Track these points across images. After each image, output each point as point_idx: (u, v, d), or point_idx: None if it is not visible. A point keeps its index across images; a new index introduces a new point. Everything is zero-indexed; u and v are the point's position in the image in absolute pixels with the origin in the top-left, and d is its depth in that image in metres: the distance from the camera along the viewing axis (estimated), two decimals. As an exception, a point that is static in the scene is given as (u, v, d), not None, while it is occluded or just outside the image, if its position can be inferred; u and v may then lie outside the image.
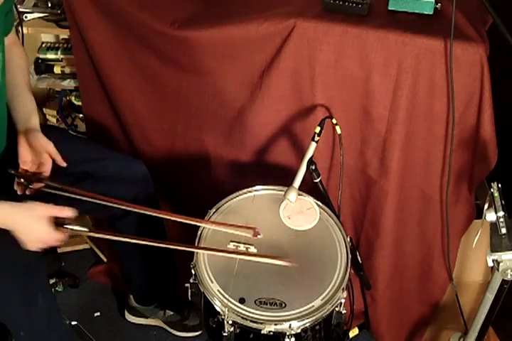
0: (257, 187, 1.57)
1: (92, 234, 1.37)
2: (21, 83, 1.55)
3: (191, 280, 1.40)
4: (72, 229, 1.32)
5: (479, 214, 1.60)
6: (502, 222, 1.24)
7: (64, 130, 2.10)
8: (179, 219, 1.44)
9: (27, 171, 1.44)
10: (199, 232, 1.45)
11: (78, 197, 1.43)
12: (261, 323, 1.27)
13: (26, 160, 1.44)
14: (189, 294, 1.42)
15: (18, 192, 1.42)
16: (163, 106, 1.87)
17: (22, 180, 1.42)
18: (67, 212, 1.30)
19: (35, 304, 1.46)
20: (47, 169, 1.45)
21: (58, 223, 1.30)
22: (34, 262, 1.44)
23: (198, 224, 1.44)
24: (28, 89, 1.56)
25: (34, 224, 1.28)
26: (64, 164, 1.46)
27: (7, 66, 1.51)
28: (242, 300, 1.31)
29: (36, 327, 1.53)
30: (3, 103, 1.48)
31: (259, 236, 1.41)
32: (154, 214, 1.46)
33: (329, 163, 1.78)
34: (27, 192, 1.42)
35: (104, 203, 1.43)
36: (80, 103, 2.02)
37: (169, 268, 1.94)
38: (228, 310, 1.28)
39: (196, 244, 1.43)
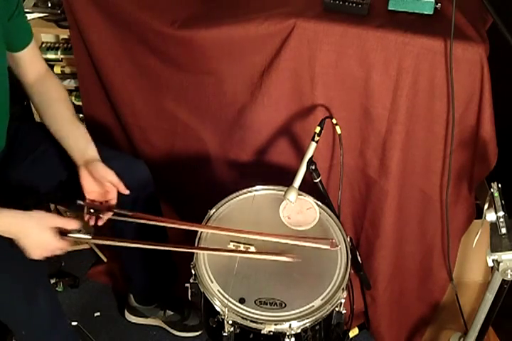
0: (257, 187, 1.57)
1: (94, 241, 1.38)
2: (68, 117, 1.52)
3: (191, 280, 1.40)
4: (75, 238, 1.33)
5: (479, 214, 1.60)
6: (502, 222, 1.24)
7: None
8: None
9: (94, 201, 1.44)
10: (199, 232, 1.45)
11: (149, 222, 1.44)
12: (261, 323, 1.27)
13: (91, 191, 1.43)
14: (189, 294, 1.42)
15: (91, 223, 1.42)
16: (163, 106, 1.87)
17: (92, 210, 1.41)
18: (73, 225, 1.31)
19: (37, 303, 1.46)
20: (113, 197, 1.44)
21: (62, 232, 1.31)
22: (35, 261, 1.44)
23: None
24: (75, 119, 1.52)
25: (38, 233, 1.29)
26: (127, 192, 1.43)
27: (48, 101, 1.51)
28: (242, 300, 1.31)
29: (38, 327, 1.53)
30: (5, 100, 1.48)
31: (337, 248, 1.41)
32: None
33: (329, 163, 1.78)
34: (98, 223, 1.42)
35: (169, 225, 1.45)
36: (80, 103, 2.02)
37: (169, 268, 1.94)
38: (228, 310, 1.28)
39: (196, 244, 1.43)
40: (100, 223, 1.43)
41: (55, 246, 1.31)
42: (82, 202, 1.41)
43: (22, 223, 1.29)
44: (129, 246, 1.39)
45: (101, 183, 1.42)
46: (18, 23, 1.45)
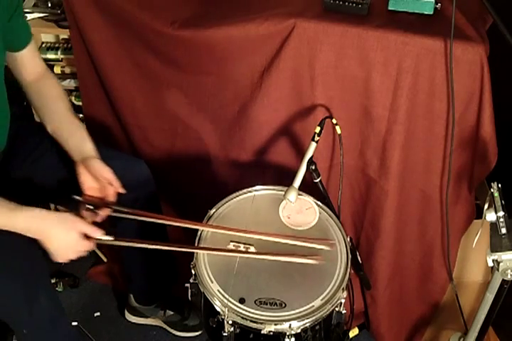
0: (257, 187, 1.57)
1: (117, 242, 1.38)
2: (66, 115, 1.53)
3: (191, 280, 1.40)
4: (99, 239, 1.33)
5: (479, 214, 1.61)
6: (502, 222, 1.24)
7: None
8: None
9: (92, 197, 1.43)
10: (199, 232, 1.45)
11: (145, 219, 1.44)
12: (261, 323, 1.27)
13: (89, 186, 1.43)
14: (189, 294, 1.42)
15: (88, 220, 1.41)
16: (163, 106, 1.87)
17: (90, 206, 1.40)
18: (98, 234, 1.32)
19: (38, 302, 1.46)
20: (110, 193, 1.43)
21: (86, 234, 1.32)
22: (36, 261, 1.44)
23: (253, 236, 1.43)
24: (73, 117, 1.53)
25: (64, 235, 1.30)
26: (123, 190, 1.43)
27: (47, 100, 1.52)
28: (242, 300, 1.31)
29: (39, 326, 1.53)
30: (4, 100, 1.48)
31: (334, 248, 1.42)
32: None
33: (329, 163, 1.78)
34: (96, 219, 1.41)
35: (167, 223, 1.45)
36: (80, 103, 2.02)
37: (169, 268, 1.94)
38: (228, 310, 1.28)
39: (196, 244, 1.43)
40: (98, 219, 1.42)
41: (81, 248, 1.32)
42: (78, 198, 1.41)
43: (50, 223, 1.29)
44: (148, 247, 1.39)
45: (98, 180, 1.43)
46: (17, 23, 1.45)
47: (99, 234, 1.33)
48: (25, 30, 1.50)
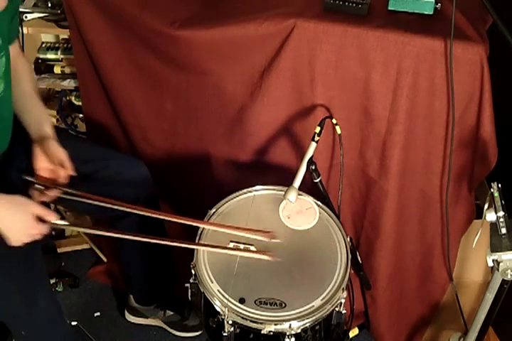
0: (257, 187, 1.57)
1: (72, 227, 1.37)
2: (30, 92, 1.53)
3: (191, 280, 1.40)
4: (54, 223, 1.32)
5: (479, 214, 1.61)
6: (502, 222, 1.24)
7: (64, 130, 2.10)
8: (186, 222, 1.44)
9: (43, 177, 1.43)
10: (199, 232, 1.45)
11: (95, 202, 1.43)
12: (261, 323, 1.27)
13: (41, 167, 1.43)
14: (189, 294, 1.42)
15: (35, 199, 1.40)
16: (163, 106, 1.87)
17: (39, 186, 1.40)
18: (53, 217, 1.31)
19: (36, 303, 1.46)
20: (63, 175, 1.43)
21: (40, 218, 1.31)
22: (34, 262, 1.44)
23: (204, 226, 1.44)
24: (37, 97, 1.54)
25: (17, 217, 1.28)
26: (73, 173, 1.44)
27: (13, 77, 1.50)
28: (242, 300, 1.31)
29: (37, 327, 1.53)
30: (9, 105, 1.48)
31: (274, 240, 1.41)
32: (155, 216, 1.46)
33: (329, 163, 1.78)
34: (44, 199, 1.41)
35: (119, 208, 1.44)
36: (80, 103, 2.02)
37: (169, 268, 1.94)
38: (228, 310, 1.28)
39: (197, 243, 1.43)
40: (45, 199, 1.41)
41: (35, 230, 1.30)
42: (28, 178, 1.41)
43: (2, 207, 1.28)
44: (104, 234, 1.39)
45: (52, 161, 1.43)
46: (14, 22, 1.46)
47: (53, 218, 1.31)
48: (17, 24, 1.51)
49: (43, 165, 1.43)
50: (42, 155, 1.42)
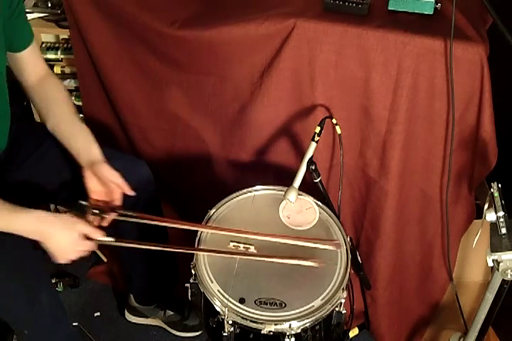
0: (257, 187, 1.57)
1: (118, 243, 1.38)
2: (71, 116, 1.52)
3: (191, 280, 1.40)
4: (99, 241, 1.34)
5: (479, 214, 1.61)
6: (502, 222, 1.24)
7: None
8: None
9: (98, 201, 1.43)
10: (199, 232, 1.45)
11: (150, 222, 1.44)
12: (261, 323, 1.27)
13: (95, 191, 1.43)
14: (189, 294, 1.42)
15: (95, 224, 1.40)
16: (163, 106, 1.87)
17: (96, 211, 1.40)
18: (99, 235, 1.33)
19: (39, 303, 1.46)
20: (117, 197, 1.43)
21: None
22: (36, 261, 1.44)
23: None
24: (78, 120, 1.52)
25: (64, 235, 1.30)
26: (132, 193, 1.43)
27: (49, 100, 1.51)
28: (242, 300, 1.31)
29: (40, 326, 1.53)
30: (5, 102, 1.48)
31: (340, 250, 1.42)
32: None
33: (329, 163, 1.78)
34: (103, 224, 1.41)
35: (173, 226, 1.45)
36: (80, 103, 2.02)
37: (170, 268, 1.94)
38: (228, 310, 1.28)
39: (196, 244, 1.43)
40: (105, 224, 1.42)
41: (81, 248, 1.32)
42: (84, 202, 1.41)
43: (50, 224, 1.29)
44: (150, 248, 1.39)
45: (105, 184, 1.42)
46: (19, 22, 1.45)
47: (99, 235, 1.33)
48: (26, 30, 1.50)
49: (96, 189, 1.43)
50: (94, 180, 1.42)
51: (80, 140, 1.49)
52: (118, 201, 1.44)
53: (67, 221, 1.31)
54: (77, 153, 1.47)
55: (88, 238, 1.32)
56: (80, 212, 1.37)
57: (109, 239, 1.35)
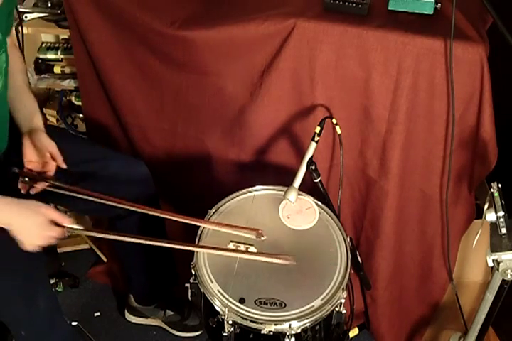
0: (257, 187, 1.57)
1: (87, 232, 1.38)
2: (21, 84, 1.55)
3: (191, 280, 1.40)
4: (68, 227, 1.32)
5: (479, 214, 1.61)
6: (502, 222, 1.24)
7: (64, 130, 2.10)
8: (180, 219, 1.44)
9: (31, 170, 1.44)
10: (199, 232, 1.45)
11: (81, 196, 1.43)
12: (261, 323, 1.27)
13: (30, 159, 1.44)
14: (189, 294, 1.42)
15: (22, 191, 1.42)
16: (163, 106, 1.87)
17: (26, 179, 1.41)
18: (66, 221, 1.31)
19: (36, 303, 1.46)
20: (51, 168, 1.45)
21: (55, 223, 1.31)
22: (34, 261, 1.44)
23: (200, 224, 1.44)
24: (28, 90, 1.55)
25: (32, 221, 1.28)
26: (64, 166, 1.45)
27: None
28: (242, 300, 1.31)
29: (37, 327, 1.53)
30: (5, 103, 1.48)
31: (262, 238, 1.41)
32: (156, 214, 1.46)
33: (329, 163, 1.78)
34: (31, 192, 1.42)
35: (107, 202, 1.43)
36: (80, 103, 2.02)
37: (169, 268, 1.94)
38: (228, 310, 1.28)
39: (196, 243, 1.43)
40: (32, 192, 1.42)
41: (50, 234, 1.30)
42: (16, 170, 1.42)
43: (16, 211, 1.28)
44: (121, 239, 1.38)
45: (42, 153, 1.43)
46: (11, 18, 1.48)
47: (67, 221, 1.31)
48: (13, 20, 1.52)
49: (32, 158, 1.43)
50: (31, 148, 1.43)
51: (24, 107, 1.51)
52: (51, 172, 1.45)
53: (32, 205, 1.30)
54: (19, 120, 1.49)
55: (57, 225, 1.30)
56: (80, 210, 1.37)
57: (77, 227, 1.34)
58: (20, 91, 1.53)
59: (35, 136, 1.44)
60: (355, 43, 1.54)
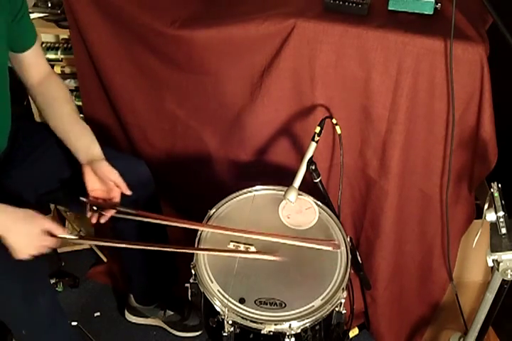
0: (257, 187, 1.57)
1: (81, 241, 1.38)
2: (71, 114, 1.53)
3: (191, 280, 1.40)
4: (62, 237, 1.32)
5: (479, 214, 1.61)
6: (502, 222, 1.24)
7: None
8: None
9: (97, 198, 1.44)
10: (199, 232, 1.45)
11: (150, 220, 1.44)
12: (261, 323, 1.27)
13: (94, 188, 1.43)
14: (189, 294, 1.42)
15: (93, 221, 1.42)
16: (163, 106, 1.87)
17: (95, 207, 1.41)
18: (61, 232, 1.32)
19: (37, 303, 1.46)
20: (116, 195, 1.44)
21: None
22: (35, 261, 1.43)
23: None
24: (78, 119, 1.54)
25: (25, 230, 1.28)
26: (128, 192, 1.44)
27: (50, 99, 1.52)
28: (242, 300, 1.31)
29: (38, 326, 1.53)
30: (5, 103, 1.48)
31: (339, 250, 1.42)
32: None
33: (329, 163, 1.78)
34: (101, 220, 1.42)
35: (171, 224, 1.45)
36: (80, 103, 2.02)
37: (170, 268, 1.94)
38: (228, 310, 1.28)
39: (196, 244, 1.43)
40: (102, 221, 1.43)
41: (42, 244, 1.30)
42: (85, 199, 1.42)
43: (10, 217, 1.28)
44: (113, 246, 1.40)
45: (104, 181, 1.43)
46: (22, 23, 1.45)
47: (61, 232, 1.32)
48: (30, 30, 1.50)
49: (95, 187, 1.43)
50: (93, 177, 1.43)
51: (80, 138, 1.50)
52: (117, 199, 1.45)
53: (28, 215, 1.30)
54: (77, 151, 1.48)
55: (51, 235, 1.31)
56: (80, 209, 1.38)
57: (72, 237, 1.35)
58: (71, 121, 1.52)
59: (95, 165, 1.43)
60: (355, 43, 1.54)
